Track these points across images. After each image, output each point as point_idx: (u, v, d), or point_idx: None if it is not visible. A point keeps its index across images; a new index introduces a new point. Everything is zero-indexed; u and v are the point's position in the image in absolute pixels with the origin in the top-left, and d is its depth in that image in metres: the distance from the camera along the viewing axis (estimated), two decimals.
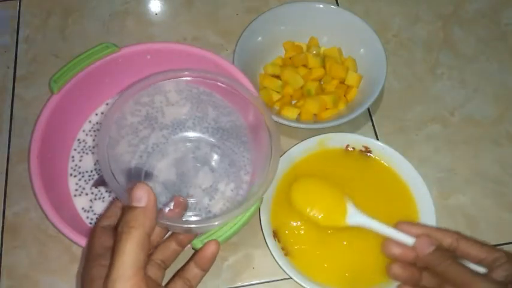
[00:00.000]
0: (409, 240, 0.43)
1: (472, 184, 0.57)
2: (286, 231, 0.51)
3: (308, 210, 0.47)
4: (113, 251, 0.32)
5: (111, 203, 0.44)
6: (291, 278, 0.47)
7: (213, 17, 0.68)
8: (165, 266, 0.41)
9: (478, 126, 0.61)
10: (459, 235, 0.43)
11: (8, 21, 0.68)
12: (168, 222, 0.38)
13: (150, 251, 0.35)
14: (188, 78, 0.48)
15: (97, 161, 0.55)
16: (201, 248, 0.40)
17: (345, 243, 0.50)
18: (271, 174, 0.43)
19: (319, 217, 0.47)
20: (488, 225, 0.55)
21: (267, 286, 0.52)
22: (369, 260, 0.49)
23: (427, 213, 0.51)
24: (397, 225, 0.44)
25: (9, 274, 0.52)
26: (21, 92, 0.62)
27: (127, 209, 0.34)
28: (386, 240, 0.43)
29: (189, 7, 0.69)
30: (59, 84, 0.52)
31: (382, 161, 0.54)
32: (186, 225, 0.39)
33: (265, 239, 0.49)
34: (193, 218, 0.53)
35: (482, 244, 0.41)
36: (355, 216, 0.47)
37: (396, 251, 0.42)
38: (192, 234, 0.42)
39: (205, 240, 0.41)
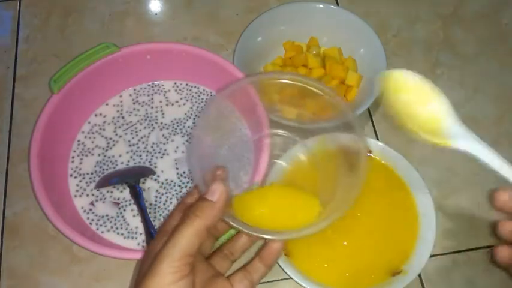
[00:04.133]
0: None
1: (472, 184, 0.57)
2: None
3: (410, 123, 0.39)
4: (173, 231, 0.34)
5: (194, 187, 0.44)
6: (291, 278, 0.47)
7: (213, 17, 0.68)
8: (232, 257, 0.41)
9: (478, 126, 0.61)
10: None
11: (8, 21, 0.68)
12: (234, 224, 0.38)
13: (203, 243, 0.36)
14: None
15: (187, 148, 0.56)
16: (265, 244, 0.40)
17: (345, 243, 0.50)
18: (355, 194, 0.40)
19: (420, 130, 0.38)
20: (488, 225, 0.55)
21: (267, 286, 0.52)
22: (368, 260, 0.49)
23: (427, 214, 0.51)
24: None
25: (9, 274, 0.52)
26: (21, 92, 0.62)
27: (200, 198, 0.36)
28: (497, 190, 0.36)
29: (189, 7, 0.69)
30: (59, 84, 0.52)
31: (382, 161, 0.54)
32: (252, 233, 0.39)
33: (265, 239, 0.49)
34: None
35: None
36: (462, 136, 0.38)
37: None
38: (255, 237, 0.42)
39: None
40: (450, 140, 0.37)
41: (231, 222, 0.38)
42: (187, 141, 0.57)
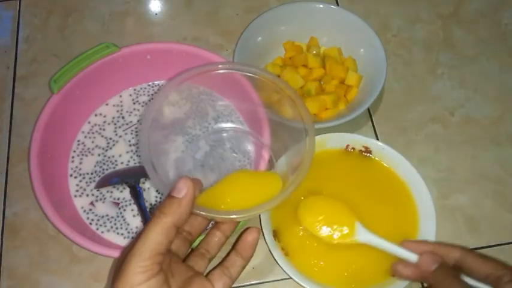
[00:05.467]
0: (414, 257, 0.44)
1: (472, 184, 0.57)
2: (286, 231, 0.51)
3: (317, 228, 0.48)
4: (142, 231, 0.34)
5: None
6: (291, 278, 0.47)
7: (213, 17, 0.68)
8: (209, 255, 0.41)
9: (478, 126, 0.61)
10: (465, 250, 0.43)
11: (8, 21, 0.68)
12: (202, 212, 0.38)
13: (172, 241, 0.35)
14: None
15: (138, 151, 0.56)
16: (240, 236, 0.40)
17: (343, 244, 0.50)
18: (304, 171, 0.42)
19: (328, 235, 0.48)
20: (488, 225, 0.55)
21: (267, 286, 0.52)
22: (367, 260, 0.49)
23: (427, 214, 0.51)
24: (402, 243, 0.45)
25: (9, 274, 0.52)
26: (21, 92, 0.62)
27: (167, 196, 0.36)
28: (394, 263, 0.44)
29: (189, 7, 0.69)
30: (59, 84, 0.52)
31: (382, 161, 0.54)
32: (227, 216, 0.39)
33: (265, 239, 0.49)
34: None
35: (488, 259, 0.41)
36: (363, 234, 0.47)
37: (404, 271, 0.43)
38: (234, 222, 0.42)
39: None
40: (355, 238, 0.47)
41: (201, 212, 0.37)
42: (187, 141, 0.57)
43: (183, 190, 0.35)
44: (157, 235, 0.33)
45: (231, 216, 0.39)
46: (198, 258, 0.40)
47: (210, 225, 0.43)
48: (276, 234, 0.50)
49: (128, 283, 0.32)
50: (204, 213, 0.38)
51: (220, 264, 0.39)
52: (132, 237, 0.52)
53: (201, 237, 0.42)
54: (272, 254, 0.48)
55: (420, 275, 0.43)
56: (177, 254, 0.39)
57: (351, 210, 0.48)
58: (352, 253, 0.49)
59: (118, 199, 0.54)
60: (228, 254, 0.40)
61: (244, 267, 0.40)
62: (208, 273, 0.39)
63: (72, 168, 0.56)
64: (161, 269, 0.33)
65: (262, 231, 0.49)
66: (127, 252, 0.33)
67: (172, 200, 0.35)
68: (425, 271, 0.42)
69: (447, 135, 0.60)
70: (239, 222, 0.43)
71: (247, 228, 0.40)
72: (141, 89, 0.60)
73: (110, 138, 0.57)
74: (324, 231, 0.47)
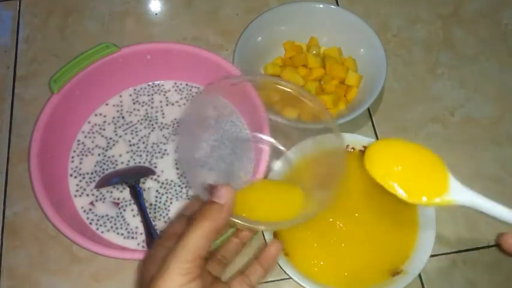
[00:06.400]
0: None
1: (472, 184, 0.57)
2: (287, 231, 0.51)
3: (391, 183, 0.38)
4: (181, 235, 0.34)
5: (193, 197, 0.45)
6: (291, 278, 0.47)
7: (213, 17, 0.68)
8: (226, 261, 0.41)
9: (478, 126, 0.61)
10: None
11: (8, 21, 0.68)
12: (238, 221, 0.38)
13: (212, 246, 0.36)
14: None
15: (177, 159, 0.56)
16: (264, 247, 0.41)
17: (343, 244, 0.50)
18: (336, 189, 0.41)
19: (407, 193, 0.37)
20: (488, 225, 0.55)
21: (267, 286, 0.52)
22: (368, 260, 0.49)
23: (427, 214, 0.51)
24: None
25: (9, 274, 0.52)
26: (21, 92, 0.62)
27: (206, 202, 0.36)
28: (503, 234, 0.37)
29: (189, 7, 0.69)
30: (59, 84, 0.52)
31: None
32: (257, 226, 0.40)
33: (265, 238, 0.49)
34: None
35: None
36: (461, 193, 0.37)
37: None
38: (254, 231, 0.43)
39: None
40: (452, 198, 0.37)
41: (238, 220, 0.38)
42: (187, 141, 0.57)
43: (225, 196, 0.35)
44: (199, 239, 0.34)
45: (259, 227, 0.39)
46: (215, 263, 0.41)
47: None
48: (276, 234, 0.50)
49: (169, 285, 0.32)
50: (236, 220, 0.38)
51: (240, 272, 0.39)
52: (132, 237, 0.52)
53: (219, 241, 0.42)
54: None
55: None
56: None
57: (439, 158, 0.38)
58: (352, 253, 0.49)
59: (118, 199, 0.54)
60: (249, 263, 0.40)
61: (264, 278, 0.40)
62: (228, 280, 0.39)
63: (72, 168, 0.56)
64: (201, 274, 0.34)
65: (263, 232, 0.49)
66: (165, 256, 0.34)
67: (214, 206, 0.35)
68: None
69: (447, 135, 0.60)
70: (257, 231, 0.43)
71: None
72: (141, 89, 0.60)
73: (110, 138, 0.57)
74: (404, 187, 0.37)
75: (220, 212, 0.35)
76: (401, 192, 0.37)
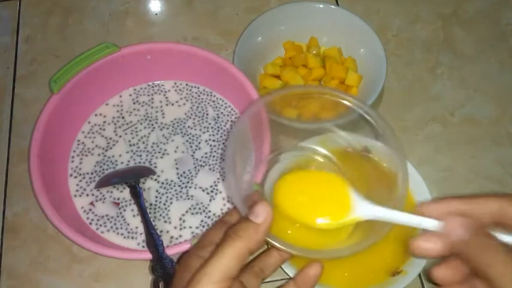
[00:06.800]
0: (436, 225, 0.32)
1: (472, 184, 0.57)
2: (288, 231, 0.50)
3: (298, 214, 0.38)
4: (215, 250, 0.33)
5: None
6: (291, 278, 0.47)
7: (213, 17, 0.68)
8: (263, 275, 0.39)
9: (478, 126, 0.61)
10: (504, 198, 0.30)
11: (8, 21, 0.68)
12: (276, 244, 0.35)
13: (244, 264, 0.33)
14: None
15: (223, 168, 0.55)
16: (304, 268, 0.38)
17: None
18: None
19: (316, 220, 0.37)
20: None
21: (267, 286, 0.52)
22: (368, 260, 0.49)
23: None
24: (419, 209, 0.34)
25: (9, 274, 0.52)
26: (21, 92, 0.62)
27: (243, 218, 0.34)
28: (412, 240, 0.32)
29: (189, 7, 0.69)
30: (59, 84, 0.52)
31: (382, 162, 0.54)
32: (294, 251, 0.36)
33: (267, 245, 0.49)
34: (193, 218, 0.53)
35: None
36: (363, 208, 0.37)
37: (427, 245, 0.31)
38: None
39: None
40: (356, 216, 0.37)
41: (275, 243, 0.35)
42: (187, 141, 0.57)
43: (262, 215, 0.33)
44: (230, 259, 0.32)
45: (300, 254, 0.36)
46: (251, 276, 0.38)
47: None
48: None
49: None
50: (277, 244, 0.35)
51: None
52: (132, 237, 0.52)
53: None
54: None
55: (449, 247, 0.30)
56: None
57: (341, 179, 0.39)
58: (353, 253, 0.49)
59: (118, 199, 0.54)
60: (285, 284, 0.38)
61: None
62: None
63: (72, 168, 0.56)
64: (231, 286, 0.32)
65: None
66: (196, 270, 0.32)
67: (249, 224, 0.33)
68: (455, 241, 0.30)
69: (447, 135, 0.60)
70: None
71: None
72: (141, 89, 0.60)
73: (110, 138, 0.57)
74: (308, 213, 0.37)
75: (256, 232, 0.33)
76: (310, 220, 0.38)
